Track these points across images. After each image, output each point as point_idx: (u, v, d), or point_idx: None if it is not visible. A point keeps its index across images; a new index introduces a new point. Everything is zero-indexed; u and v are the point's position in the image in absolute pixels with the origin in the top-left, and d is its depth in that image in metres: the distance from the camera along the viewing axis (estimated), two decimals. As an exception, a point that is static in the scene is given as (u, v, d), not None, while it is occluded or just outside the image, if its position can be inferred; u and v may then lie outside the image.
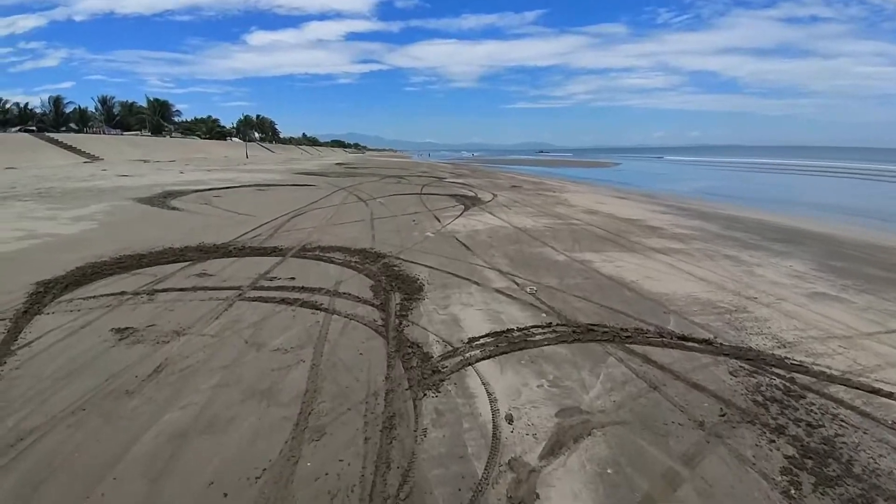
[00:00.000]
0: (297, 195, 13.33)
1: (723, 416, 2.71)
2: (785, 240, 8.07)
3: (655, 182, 28.91)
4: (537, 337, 3.68)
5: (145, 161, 32.69)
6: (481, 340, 3.58)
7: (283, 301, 4.28)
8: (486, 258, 6.19)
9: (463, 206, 11.72)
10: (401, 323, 3.85)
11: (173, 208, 10.22)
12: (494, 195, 14.74)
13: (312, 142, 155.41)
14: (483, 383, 2.93)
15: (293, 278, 4.98)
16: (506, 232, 8.26)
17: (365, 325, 3.80)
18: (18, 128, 46.14)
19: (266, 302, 4.28)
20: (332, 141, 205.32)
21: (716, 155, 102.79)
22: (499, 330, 3.77)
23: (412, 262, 5.82)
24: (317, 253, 6.18)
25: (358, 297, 4.44)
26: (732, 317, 4.27)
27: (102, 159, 34.91)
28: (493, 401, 2.72)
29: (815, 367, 3.29)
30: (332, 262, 5.77)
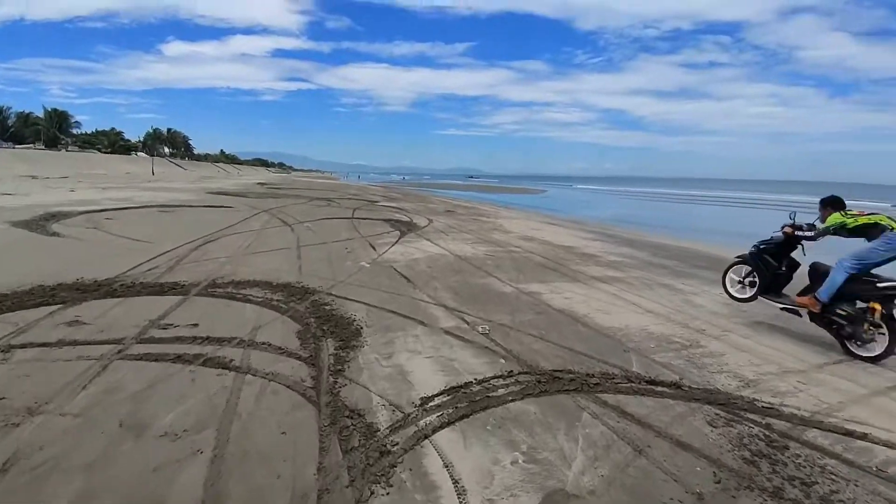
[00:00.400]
0: (210, 218, 11.86)
1: (718, 482, 2.36)
2: (709, 267, 8.51)
3: (580, 209, 30.65)
4: (500, 391, 3.16)
5: (34, 177, 27.99)
6: (436, 400, 2.98)
7: (178, 358, 3.35)
8: (430, 292, 5.64)
9: (399, 232, 11.13)
10: (336, 382, 3.13)
11: (54, 234, 8.42)
12: (430, 220, 14.35)
13: (232, 159, 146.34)
14: (445, 465, 2.33)
15: (195, 325, 4.02)
16: (446, 261, 7.80)
17: (289, 387, 3.02)
18: None
19: (155, 360, 3.32)
20: (255, 159, 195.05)
21: (627, 185, 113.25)
22: (455, 384, 3.21)
23: (347, 299, 5.08)
24: (229, 290, 5.21)
25: (280, 349, 3.63)
26: (689, 353, 4.11)
27: (-30, 173, 29.32)
28: (461, 493, 2.13)
29: (786, 410, 3.14)
30: (249, 300, 4.86)
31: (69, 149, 64.42)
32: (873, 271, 4.03)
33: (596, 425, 2.80)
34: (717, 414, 3.04)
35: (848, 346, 4.11)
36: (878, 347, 3.91)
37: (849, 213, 4.20)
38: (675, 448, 2.62)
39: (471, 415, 2.83)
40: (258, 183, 37.75)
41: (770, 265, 4.78)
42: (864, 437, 2.85)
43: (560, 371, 3.52)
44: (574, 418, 2.87)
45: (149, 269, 6.04)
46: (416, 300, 5.23)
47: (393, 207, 19.01)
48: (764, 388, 3.47)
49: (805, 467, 2.53)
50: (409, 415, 2.78)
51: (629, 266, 8.20)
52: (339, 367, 3.36)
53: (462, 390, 3.14)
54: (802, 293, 4.46)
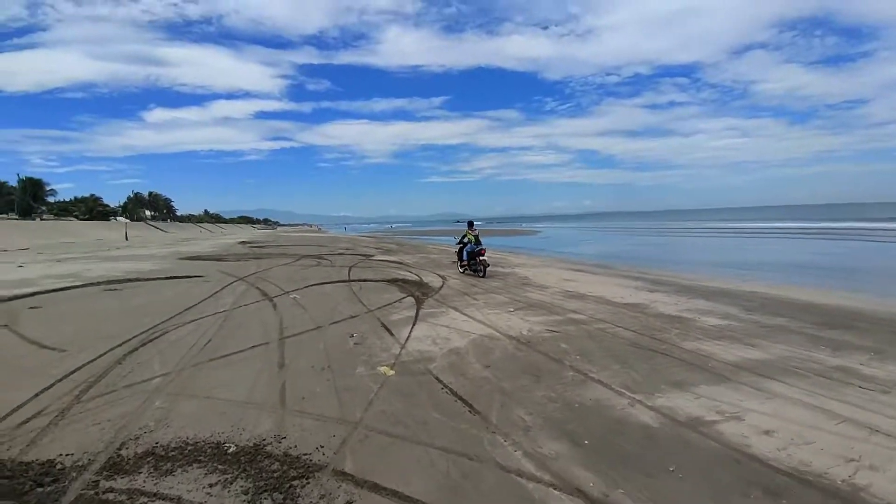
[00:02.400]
0: (168, 296, 9.26)
1: None
2: (840, 325, 6.20)
3: (585, 248, 28.75)
4: None
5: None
6: None
7: None
8: (520, 437, 3.13)
9: (412, 299, 8.69)
10: None
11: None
12: (442, 278, 11.96)
13: (216, 219, 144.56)
14: None
15: None
16: (503, 349, 5.33)
17: None
18: None
19: None
20: (240, 217, 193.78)
21: (611, 220, 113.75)
22: None
23: (377, 491, 2.54)
24: (144, 477, 2.63)
25: None
26: None
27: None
28: None
29: None
30: (174, 514, 2.29)
31: (44, 217, 61.66)
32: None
33: None
34: None
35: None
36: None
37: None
38: None
39: None
40: (240, 242, 35.22)
41: None
42: None
43: None
44: None
45: (22, 422, 3.44)
46: (507, 473, 2.70)
47: (393, 262, 16.63)
48: None
49: None
50: None
51: (746, 334, 5.82)
52: None
53: None
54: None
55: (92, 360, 4.93)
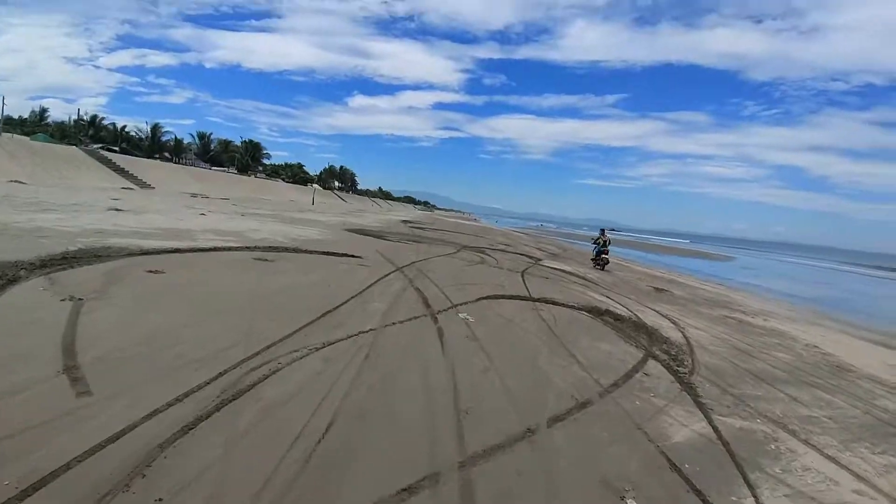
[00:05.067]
0: (315, 280, 7.36)
1: None
2: None
3: (806, 289, 20.39)
4: None
5: (194, 195, 29.81)
6: None
7: None
8: None
9: (661, 367, 5.01)
10: None
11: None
12: (670, 319, 7.90)
13: (386, 195, 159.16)
14: None
15: None
16: None
17: None
18: (100, 145, 47.04)
19: None
20: (405, 196, 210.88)
21: (815, 255, 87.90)
22: None
23: None
24: None
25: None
26: None
27: (153, 188, 32.86)
28: None
29: None
30: None
31: (257, 175, 74.27)
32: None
33: None
34: None
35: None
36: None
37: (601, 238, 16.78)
38: None
39: None
40: (402, 220, 35.57)
41: None
42: None
43: None
44: None
45: None
46: None
47: (569, 274, 12.95)
48: None
49: None
50: None
51: None
52: None
53: None
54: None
55: (151, 414, 2.64)
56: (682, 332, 7.12)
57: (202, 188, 36.97)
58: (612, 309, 8.22)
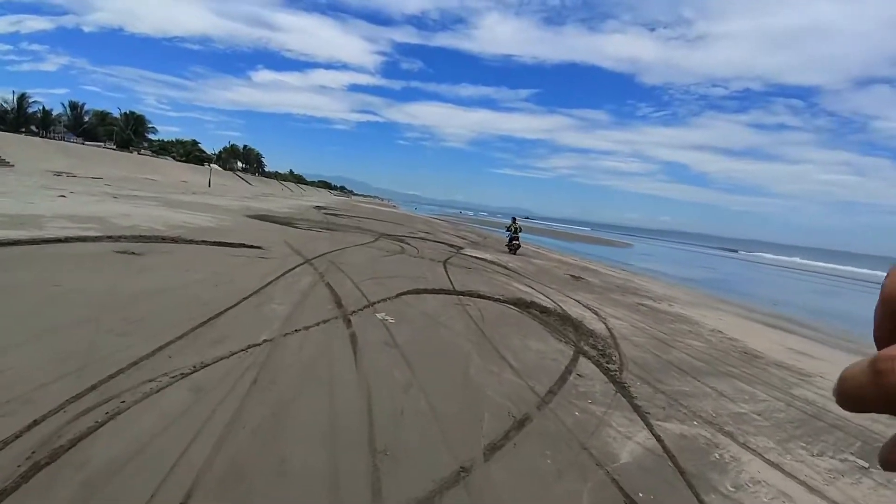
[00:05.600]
0: (198, 278, 6.03)
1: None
2: None
3: (696, 273, 23.01)
4: None
5: (58, 174, 24.92)
6: None
7: None
8: None
9: (593, 366, 4.71)
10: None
11: None
12: (591, 310, 7.89)
13: (298, 179, 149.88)
14: None
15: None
16: None
17: None
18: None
19: None
20: (319, 181, 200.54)
21: (702, 242, 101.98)
22: None
23: None
24: None
25: None
26: None
27: (12, 165, 26.99)
28: None
29: None
30: None
31: (141, 152, 65.26)
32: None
33: None
34: None
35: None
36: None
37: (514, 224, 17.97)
38: None
39: None
40: (315, 206, 33.23)
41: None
42: None
43: None
44: None
45: None
46: None
47: (491, 263, 12.74)
48: None
49: None
50: None
51: None
52: None
53: None
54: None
55: None
56: (604, 324, 7.07)
57: (71, 165, 31.21)
58: (537, 300, 7.99)
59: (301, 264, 7.96)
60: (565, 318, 6.92)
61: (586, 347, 5.49)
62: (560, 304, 8.04)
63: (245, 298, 5.32)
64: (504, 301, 7.52)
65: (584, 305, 8.43)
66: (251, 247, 9.01)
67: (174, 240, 8.41)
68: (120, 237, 7.80)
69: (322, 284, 6.67)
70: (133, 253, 6.84)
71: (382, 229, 19.44)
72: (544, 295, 8.88)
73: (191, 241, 8.47)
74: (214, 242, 8.77)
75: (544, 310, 7.29)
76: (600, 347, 5.62)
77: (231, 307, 4.91)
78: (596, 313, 7.80)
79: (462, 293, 7.66)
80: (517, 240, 17.67)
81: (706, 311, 10.68)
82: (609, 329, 6.72)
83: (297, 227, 14.54)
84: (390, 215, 37.56)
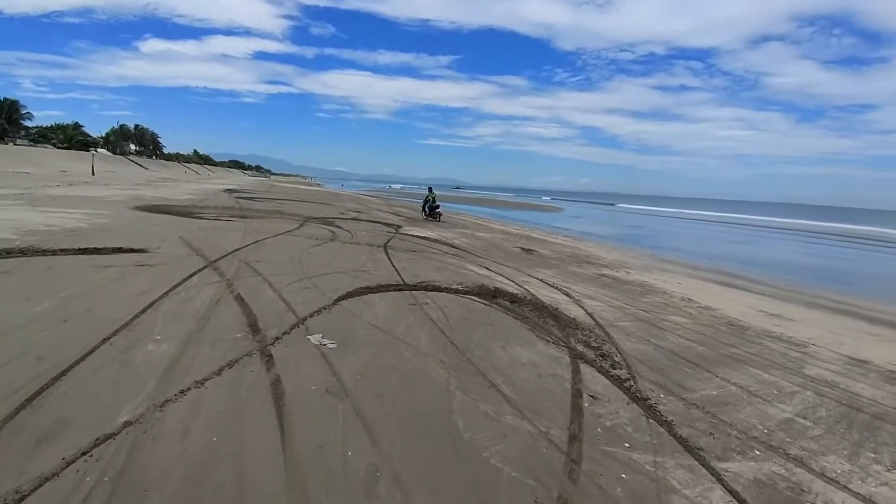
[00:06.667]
0: (32, 316, 4.07)
1: None
2: None
3: (628, 232, 23.84)
4: None
5: None
6: None
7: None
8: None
9: (573, 356, 3.69)
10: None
11: None
12: (567, 294, 6.99)
13: (205, 160, 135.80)
14: None
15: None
16: None
17: None
18: None
19: None
20: (231, 161, 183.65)
21: (624, 202, 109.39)
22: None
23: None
24: None
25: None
26: None
27: None
28: None
29: None
30: None
31: (17, 142, 54.61)
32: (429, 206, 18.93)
33: None
34: None
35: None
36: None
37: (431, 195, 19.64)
38: None
39: None
40: (226, 190, 29.41)
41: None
42: None
43: None
44: None
45: None
46: None
47: (435, 241, 11.50)
48: None
49: None
50: None
51: None
52: None
53: None
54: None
55: None
56: (581, 308, 6.16)
57: None
58: (500, 286, 6.89)
59: (200, 269, 6.08)
60: (539, 307, 5.89)
61: (579, 347, 4.48)
62: (526, 288, 7.03)
63: (106, 339, 3.55)
64: (466, 292, 6.31)
65: (550, 285, 7.51)
66: (130, 251, 6.85)
67: (22, 252, 6.04)
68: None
69: (230, 298, 4.97)
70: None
71: (308, 212, 17.26)
72: (504, 277, 7.83)
73: (44, 252, 6.15)
74: (78, 250, 6.50)
75: (513, 298, 6.21)
76: (594, 344, 4.65)
77: (80, 360, 3.16)
78: (568, 295, 6.89)
79: (415, 287, 6.32)
80: (438, 208, 19.53)
81: (660, 274, 10.37)
82: (591, 315, 5.81)
83: (199, 218, 12.09)
84: (315, 195, 34.59)
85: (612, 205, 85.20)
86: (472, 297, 6.12)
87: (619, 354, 4.46)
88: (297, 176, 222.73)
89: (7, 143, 50.82)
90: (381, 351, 3.91)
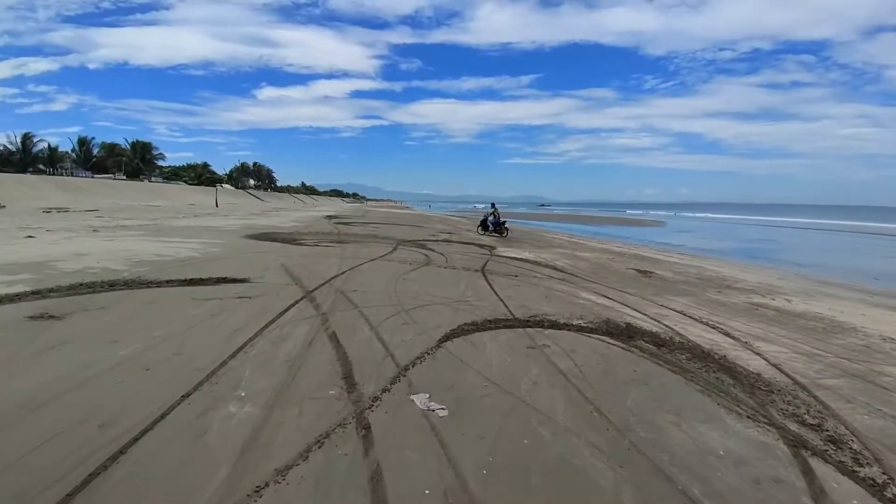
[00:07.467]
0: (115, 362, 3.80)
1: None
2: None
3: (752, 246, 20.05)
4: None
5: (48, 211, 23.48)
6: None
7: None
8: None
9: (795, 446, 2.26)
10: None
11: None
12: (726, 334, 5.39)
13: (310, 190, 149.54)
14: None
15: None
16: None
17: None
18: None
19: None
20: (331, 190, 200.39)
21: (718, 211, 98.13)
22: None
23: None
24: None
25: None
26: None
27: (3, 206, 25.71)
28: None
29: None
30: None
31: (152, 180, 64.80)
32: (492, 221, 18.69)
33: None
34: None
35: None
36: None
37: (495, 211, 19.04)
38: None
39: None
40: (326, 216, 31.24)
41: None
42: None
43: None
44: None
45: None
46: None
47: (534, 264, 10.27)
48: None
49: None
50: None
51: None
52: None
53: None
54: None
55: None
56: (759, 356, 4.59)
57: (68, 200, 29.94)
58: (633, 322, 5.55)
59: (297, 302, 5.69)
60: (699, 354, 4.46)
61: (794, 427, 3.05)
62: (665, 324, 5.57)
63: (185, 397, 3.05)
64: (592, 330, 5.09)
65: (696, 320, 5.94)
66: (234, 281, 6.79)
67: (126, 284, 6.23)
68: (50, 291, 5.66)
69: (324, 338, 4.38)
70: (51, 316, 4.67)
71: (400, 234, 17.17)
72: (631, 308, 6.43)
73: (149, 285, 6.27)
74: (183, 281, 6.57)
75: (656, 340, 4.85)
76: (809, 420, 3.17)
77: (148, 428, 2.64)
78: (728, 335, 5.30)
79: (528, 323, 5.27)
80: (505, 223, 18.90)
81: (830, 302, 8.04)
82: (778, 368, 4.24)
83: (301, 245, 12.36)
84: (406, 217, 35.35)
85: (714, 216, 75.88)
86: (600, 336, 4.88)
87: (854, 438, 2.95)
88: (388, 200, 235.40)
89: (143, 181, 60.23)
90: (507, 423, 2.92)
